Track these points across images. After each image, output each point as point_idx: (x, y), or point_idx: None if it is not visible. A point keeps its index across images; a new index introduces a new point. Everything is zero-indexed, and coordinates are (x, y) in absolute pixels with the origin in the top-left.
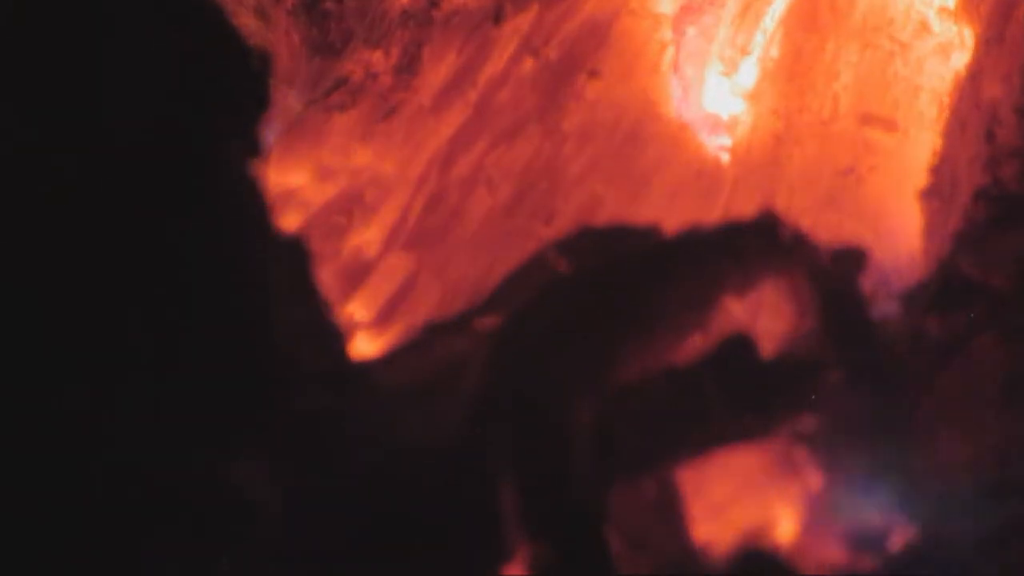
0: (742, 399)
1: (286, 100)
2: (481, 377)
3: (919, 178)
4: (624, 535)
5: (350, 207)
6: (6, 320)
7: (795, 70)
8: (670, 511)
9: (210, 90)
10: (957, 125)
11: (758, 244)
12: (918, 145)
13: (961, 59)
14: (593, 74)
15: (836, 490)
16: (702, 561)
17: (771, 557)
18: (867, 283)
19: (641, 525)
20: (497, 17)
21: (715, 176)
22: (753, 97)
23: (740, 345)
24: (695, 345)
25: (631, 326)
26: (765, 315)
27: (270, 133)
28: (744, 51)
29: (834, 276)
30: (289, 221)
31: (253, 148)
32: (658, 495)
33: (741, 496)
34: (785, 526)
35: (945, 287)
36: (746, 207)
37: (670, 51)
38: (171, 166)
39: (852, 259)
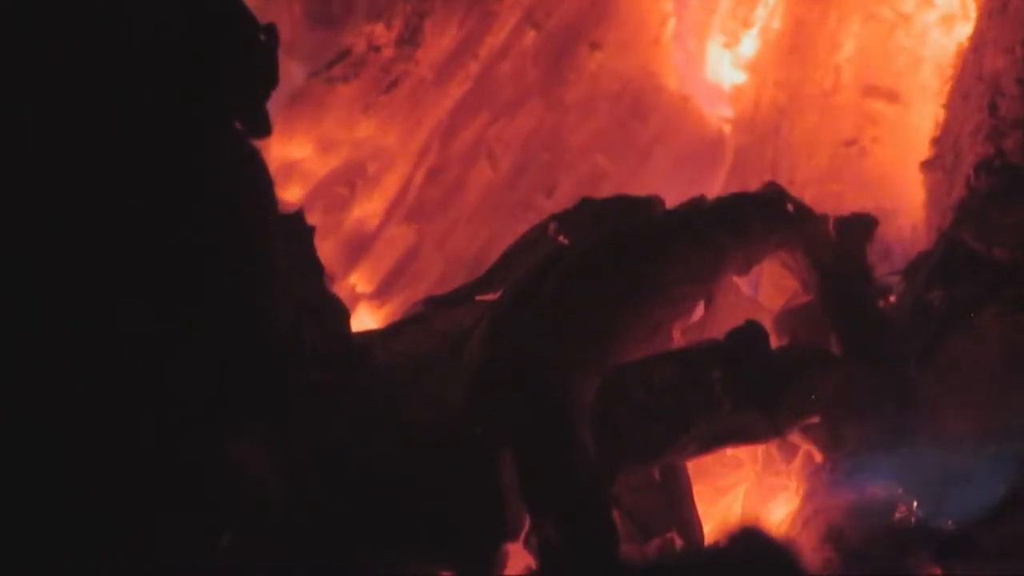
0: (746, 380)
1: (288, 72)
2: (482, 351)
3: (921, 150)
4: (626, 515)
5: (352, 179)
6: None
7: (797, 41)
8: (673, 492)
9: (212, 63)
10: (960, 96)
11: (760, 217)
12: (921, 117)
13: (964, 30)
14: (595, 46)
15: (838, 465)
16: (705, 542)
17: (774, 538)
18: (869, 255)
19: (644, 506)
20: None
21: (717, 148)
22: (755, 68)
23: (743, 323)
24: (697, 322)
25: (632, 300)
26: (767, 289)
27: (272, 105)
28: (746, 23)
29: (836, 248)
30: (291, 193)
31: (256, 121)
32: (661, 476)
33: (745, 476)
34: (788, 504)
35: (947, 259)
36: (748, 179)
37: (672, 23)
38: (172, 141)
39: (855, 231)
